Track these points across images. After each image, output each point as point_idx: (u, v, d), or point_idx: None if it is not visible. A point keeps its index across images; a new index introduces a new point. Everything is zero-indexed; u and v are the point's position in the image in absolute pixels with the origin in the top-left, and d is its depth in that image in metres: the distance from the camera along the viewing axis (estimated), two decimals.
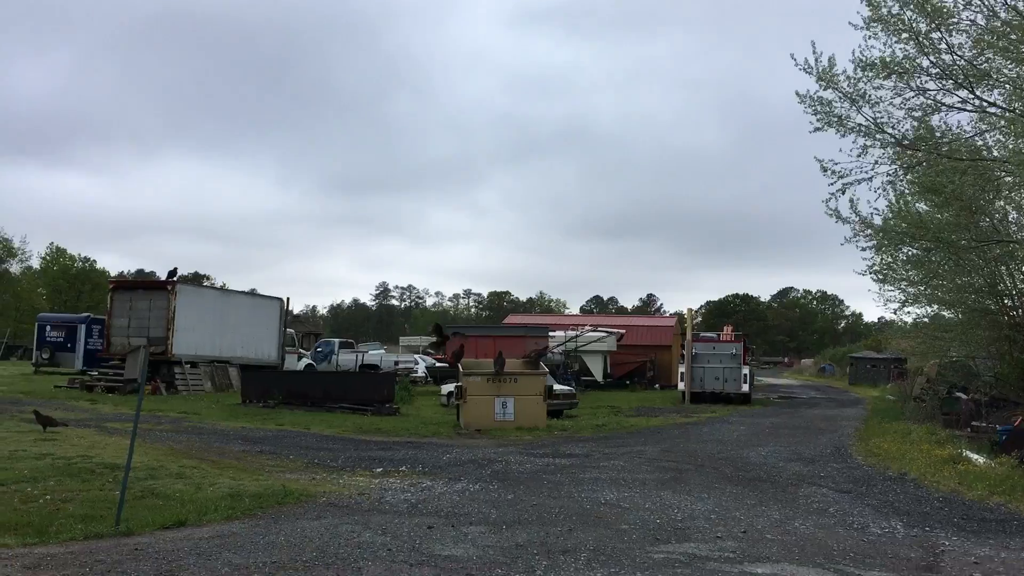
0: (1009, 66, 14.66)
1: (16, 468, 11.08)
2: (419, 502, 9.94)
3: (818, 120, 16.01)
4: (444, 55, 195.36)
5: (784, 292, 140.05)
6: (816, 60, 15.42)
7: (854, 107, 15.75)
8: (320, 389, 24.57)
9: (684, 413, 26.80)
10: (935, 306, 27.24)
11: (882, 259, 22.48)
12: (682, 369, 33.06)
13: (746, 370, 32.78)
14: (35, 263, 70.33)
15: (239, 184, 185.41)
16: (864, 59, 15.12)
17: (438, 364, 39.21)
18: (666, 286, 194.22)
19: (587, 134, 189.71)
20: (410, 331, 72.16)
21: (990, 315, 24.33)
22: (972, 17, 14.50)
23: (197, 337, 29.84)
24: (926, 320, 29.09)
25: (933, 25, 14.54)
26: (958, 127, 16.39)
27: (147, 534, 7.77)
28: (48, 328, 38.15)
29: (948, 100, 15.38)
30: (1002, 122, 15.64)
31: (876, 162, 16.31)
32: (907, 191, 19.02)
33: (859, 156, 16.06)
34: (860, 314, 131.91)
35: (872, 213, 19.01)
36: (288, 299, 36.53)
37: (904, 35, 14.80)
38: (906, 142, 15.94)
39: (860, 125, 15.82)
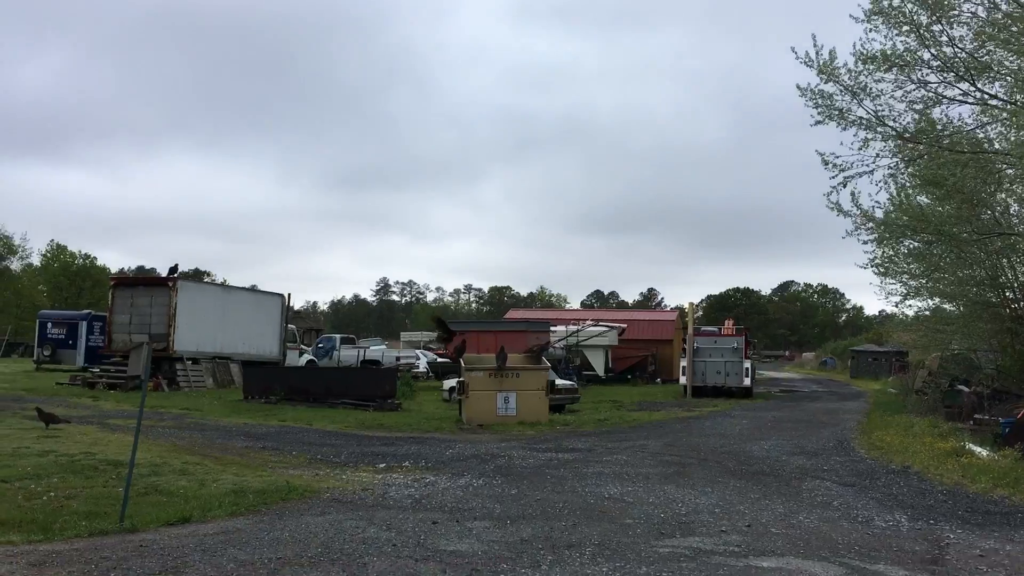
0: (1010, 58, 14.64)
1: (19, 465, 11.06)
2: (423, 497, 9.94)
3: (819, 113, 16.04)
4: (444, 50, 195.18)
5: (785, 286, 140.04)
6: (817, 53, 15.43)
7: (855, 100, 15.77)
8: (322, 385, 24.56)
9: (686, 407, 26.80)
10: (936, 299, 27.31)
11: (883, 252, 22.54)
12: (683, 363, 33.09)
13: (747, 364, 32.79)
14: (36, 260, 70.30)
15: (240, 180, 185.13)
16: (865, 52, 15.13)
17: (440, 359, 39.21)
18: (667, 280, 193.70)
19: (588, 128, 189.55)
20: (411, 327, 72.11)
21: (992, 308, 24.37)
22: (973, 9, 14.54)
23: (199, 333, 29.86)
24: (927, 313, 29.13)
25: (934, 17, 14.54)
26: (959, 120, 16.41)
27: (151, 531, 7.76)
28: (49, 325, 38.13)
29: (949, 93, 15.40)
30: (1003, 114, 15.64)
31: (877, 155, 16.35)
32: (908, 184, 19.01)
33: (860, 149, 16.08)
34: (861, 307, 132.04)
35: (873, 206, 19.09)
36: (289, 295, 36.70)
37: (905, 28, 14.81)
38: (907, 135, 15.94)
39: (861, 118, 15.83)
